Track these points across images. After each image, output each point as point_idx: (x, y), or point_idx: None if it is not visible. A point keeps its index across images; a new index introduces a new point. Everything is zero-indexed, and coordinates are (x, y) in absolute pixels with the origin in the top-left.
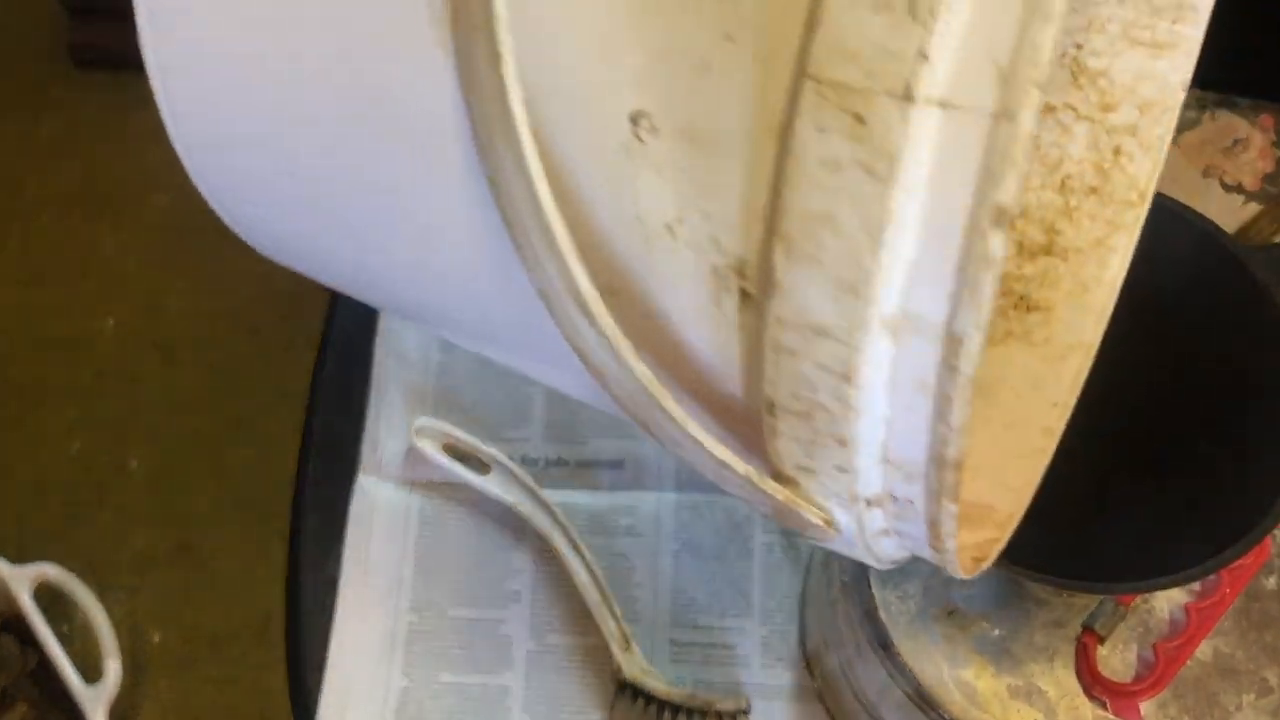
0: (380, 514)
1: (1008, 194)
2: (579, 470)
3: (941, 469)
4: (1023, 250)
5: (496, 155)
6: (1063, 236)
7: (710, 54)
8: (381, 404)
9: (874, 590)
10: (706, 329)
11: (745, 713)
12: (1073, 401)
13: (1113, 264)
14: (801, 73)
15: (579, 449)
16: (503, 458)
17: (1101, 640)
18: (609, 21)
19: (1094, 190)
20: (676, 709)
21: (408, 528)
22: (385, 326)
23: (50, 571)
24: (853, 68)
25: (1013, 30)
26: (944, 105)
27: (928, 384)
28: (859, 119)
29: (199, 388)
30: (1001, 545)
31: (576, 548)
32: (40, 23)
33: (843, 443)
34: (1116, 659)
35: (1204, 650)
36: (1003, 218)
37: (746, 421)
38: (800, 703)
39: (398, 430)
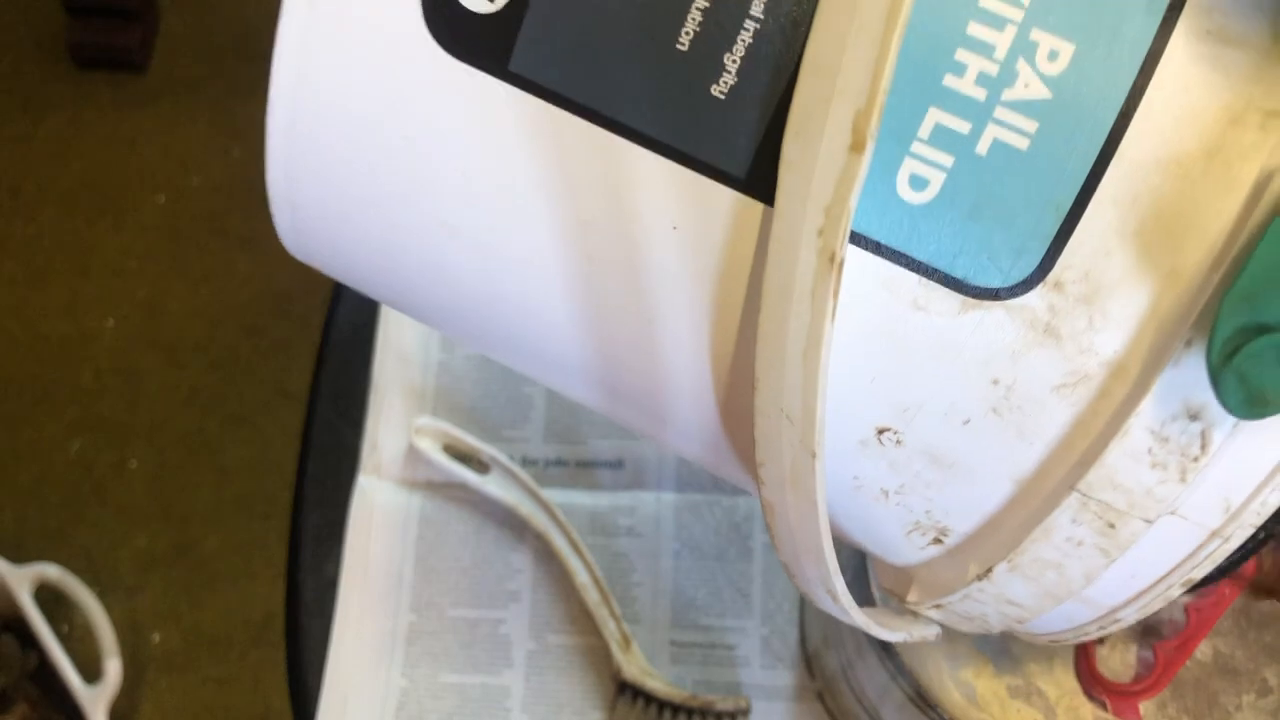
0: (380, 514)
1: (1202, 573)
2: (579, 470)
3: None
4: None
5: (784, 499)
6: None
7: (973, 415)
8: (381, 404)
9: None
10: (892, 550)
11: (745, 713)
12: None
13: None
14: (1070, 484)
15: (579, 449)
16: (503, 458)
17: (1101, 640)
18: (879, 362)
19: None
20: (676, 709)
21: (408, 528)
22: (385, 326)
23: (50, 571)
24: (1119, 496)
25: (1248, 491)
26: (1174, 513)
27: (1077, 624)
28: (1111, 526)
29: (199, 388)
30: None
31: (576, 548)
32: (40, 23)
33: (987, 631)
34: (1116, 659)
35: (1204, 650)
36: (1190, 583)
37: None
38: (800, 703)
39: (398, 430)
